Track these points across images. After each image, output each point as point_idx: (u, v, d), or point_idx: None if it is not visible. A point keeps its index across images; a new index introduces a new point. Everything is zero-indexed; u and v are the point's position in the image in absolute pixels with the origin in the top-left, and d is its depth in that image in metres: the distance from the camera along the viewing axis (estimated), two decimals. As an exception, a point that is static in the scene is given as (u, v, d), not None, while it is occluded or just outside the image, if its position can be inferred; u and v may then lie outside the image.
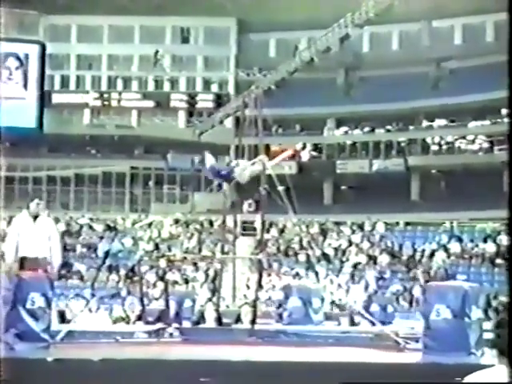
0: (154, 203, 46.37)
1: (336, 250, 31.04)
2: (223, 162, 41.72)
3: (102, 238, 33.54)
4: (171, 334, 12.05)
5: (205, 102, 49.42)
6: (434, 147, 45.76)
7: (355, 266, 29.43)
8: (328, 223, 33.75)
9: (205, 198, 38.11)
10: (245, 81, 46.54)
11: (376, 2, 42.65)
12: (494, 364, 4.49)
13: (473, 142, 44.86)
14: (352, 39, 44.80)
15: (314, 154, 47.97)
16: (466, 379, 4.46)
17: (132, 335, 12.00)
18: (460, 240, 31.30)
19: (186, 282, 27.06)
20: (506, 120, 41.85)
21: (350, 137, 47.36)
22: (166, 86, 49.86)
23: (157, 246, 30.26)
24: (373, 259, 30.09)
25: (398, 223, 34.43)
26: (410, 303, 25.47)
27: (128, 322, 16.99)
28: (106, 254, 30.61)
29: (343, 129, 47.55)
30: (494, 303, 23.65)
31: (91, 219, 36.49)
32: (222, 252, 19.41)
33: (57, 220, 35.96)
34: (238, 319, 15.13)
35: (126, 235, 32.81)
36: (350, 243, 31.46)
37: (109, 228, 34.81)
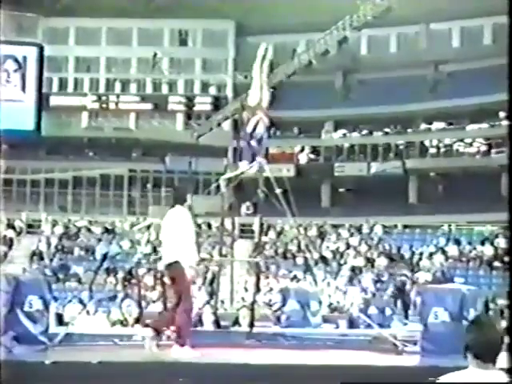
0: (152, 206, 46.32)
1: (334, 252, 31.05)
2: (221, 164, 41.69)
3: (100, 240, 33.54)
4: (169, 337, 12.04)
5: (203, 104, 49.42)
6: (432, 150, 45.79)
7: (353, 268, 29.44)
8: (326, 226, 33.76)
9: (203, 201, 38.05)
10: (243, 83, 46.46)
11: (374, 5, 42.69)
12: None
13: (471, 144, 44.89)
14: (350, 42, 44.85)
15: (312, 156, 47.98)
16: (440, 379, 4.51)
17: (130, 338, 12.00)
18: (458, 243, 31.33)
19: (184, 284, 27.02)
20: (503, 123, 41.89)
21: (348, 139, 47.37)
22: (164, 89, 49.86)
23: (155, 249, 30.21)
24: (371, 262, 30.10)
25: (396, 226, 34.46)
26: (408, 306, 25.46)
27: (126, 325, 16.98)
28: (104, 256, 30.59)
29: (341, 131, 47.56)
30: (491, 306, 23.65)
31: (89, 222, 36.49)
32: (220, 255, 19.38)
33: (55, 222, 36.04)
34: (236, 322, 15.12)
35: (123, 238, 32.81)
36: (348, 246, 31.47)
37: (107, 230, 34.81)
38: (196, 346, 11.30)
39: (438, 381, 4.52)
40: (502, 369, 4.49)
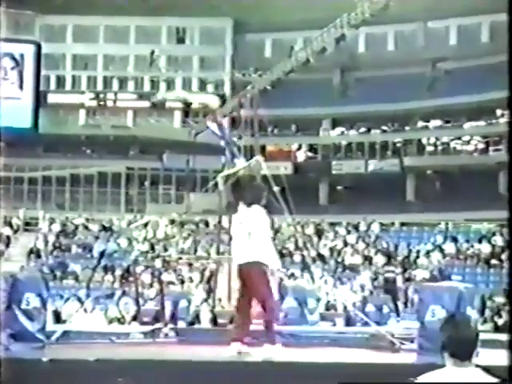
0: (150, 203, 46.33)
1: (331, 250, 31.06)
2: (219, 162, 41.70)
3: (97, 238, 33.55)
4: (166, 335, 12.05)
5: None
6: (430, 148, 45.81)
7: (351, 266, 29.47)
8: (323, 224, 33.77)
9: (200, 199, 38.08)
10: (240, 81, 46.53)
11: (371, 3, 42.69)
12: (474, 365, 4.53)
13: (468, 142, 44.91)
14: (348, 40, 44.84)
15: (310, 154, 47.98)
16: (419, 379, 4.55)
17: (127, 336, 12.00)
18: (455, 240, 31.36)
19: (182, 282, 27.08)
20: (501, 121, 41.93)
21: (346, 137, 47.38)
22: (162, 87, 49.84)
23: (152, 247, 30.26)
24: (368, 260, 30.12)
25: (393, 224, 34.49)
26: (405, 304, 25.49)
27: (123, 323, 17.01)
28: (102, 254, 30.60)
29: (339, 129, 47.57)
30: (489, 304, 23.70)
31: (87, 219, 36.49)
32: (218, 252, 19.42)
33: (52, 220, 36.04)
34: (233, 319, 15.11)
35: (121, 235, 32.81)
36: (346, 244, 31.49)
37: (104, 228, 34.82)
38: (193, 344, 11.32)
39: (416, 381, 4.56)
40: (478, 365, 4.52)
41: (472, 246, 30.84)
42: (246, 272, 9.51)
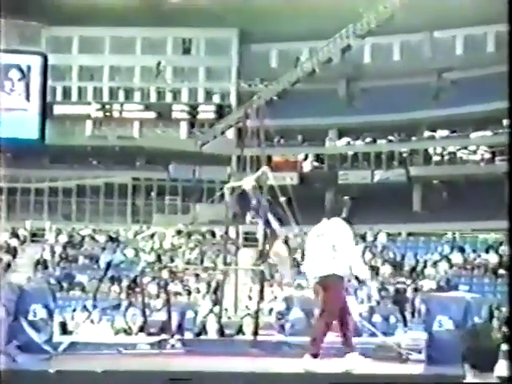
0: (156, 214, 46.34)
1: (338, 260, 30.98)
2: (225, 173, 41.65)
3: (104, 249, 33.56)
4: (173, 346, 12.04)
5: (206, 113, 49.45)
6: (436, 158, 45.76)
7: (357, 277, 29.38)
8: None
9: (207, 209, 38.08)
10: (246, 92, 46.59)
11: (377, 13, 42.74)
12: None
13: (474, 152, 44.85)
14: (353, 50, 44.88)
15: (316, 164, 47.97)
16: None
17: (134, 347, 11.99)
18: (462, 251, 31.27)
19: (188, 293, 27.05)
20: (507, 130, 41.87)
21: (352, 147, 47.36)
22: (168, 97, 49.91)
23: (159, 257, 30.22)
24: (375, 270, 30.05)
25: (400, 234, 34.41)
26: (413, 314, 25.41)
27: (130, 334, 16.98)
28: (108, 265, 30.59)
29: (345, 139, 47.55)
30: (496, 314, 23.60)
31: (93, 230, 36.50)
32: (224, 263, 19.38)
33: (59, 231, 36.06)
34: (240, 330, 15.12)
35: (127, 246, 32.81)
36: (352, 254, 31.39)
37: (111, 239, 34.82)
38: (200, 354, 11.30)
39: None
40: (500, 377, 4.43)
41: (479, 256, 30.77)
42: (326, 284, 9.36)
